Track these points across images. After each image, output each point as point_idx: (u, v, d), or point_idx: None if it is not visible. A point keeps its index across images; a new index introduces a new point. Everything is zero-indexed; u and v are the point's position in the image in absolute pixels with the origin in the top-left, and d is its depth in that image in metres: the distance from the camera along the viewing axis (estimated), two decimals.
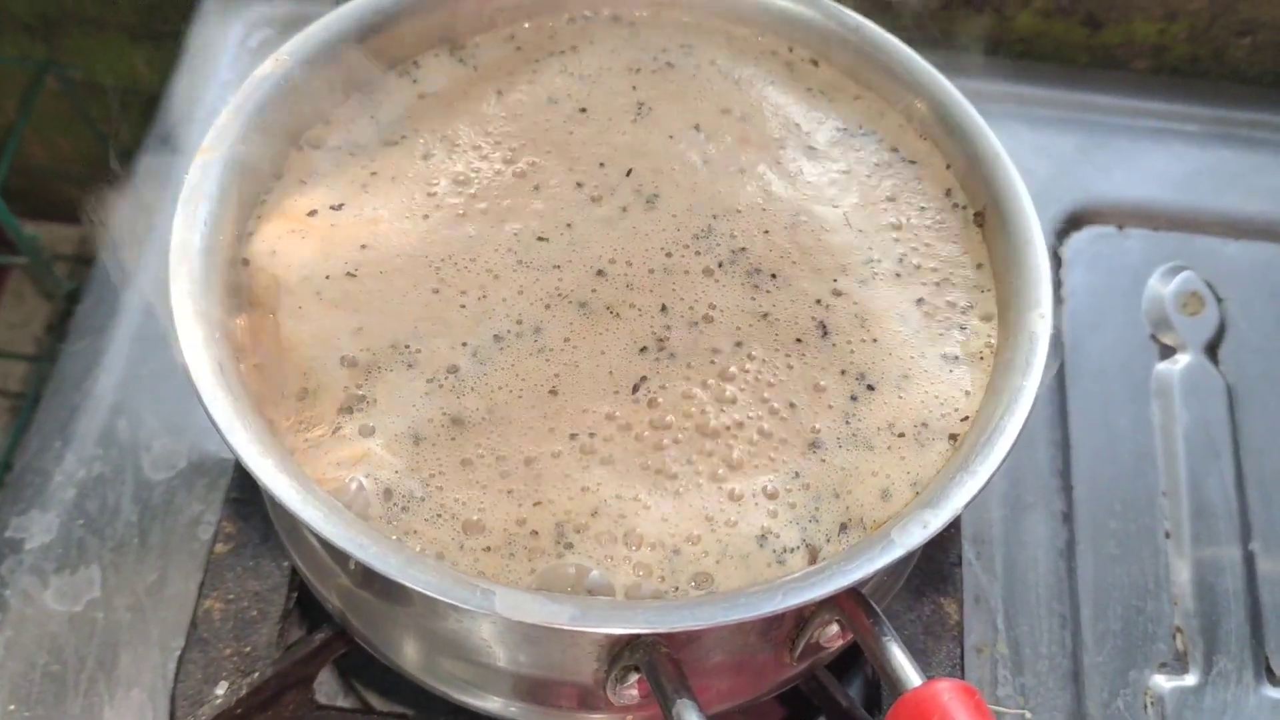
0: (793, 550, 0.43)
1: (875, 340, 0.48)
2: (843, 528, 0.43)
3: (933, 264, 0.50)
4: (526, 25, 0.56)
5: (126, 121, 0.92)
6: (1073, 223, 0.73)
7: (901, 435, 0.45)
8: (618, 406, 0.45)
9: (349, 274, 0.47)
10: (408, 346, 0.46)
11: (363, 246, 0.48)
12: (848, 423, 0.46)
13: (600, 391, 0.46)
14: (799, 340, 0.48)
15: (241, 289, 0.47)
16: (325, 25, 0.49)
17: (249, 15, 0.78)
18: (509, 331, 0.47)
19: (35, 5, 0.84)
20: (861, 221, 0.51)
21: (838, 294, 0.49)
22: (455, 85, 0.54)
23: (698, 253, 0.50)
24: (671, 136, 0.53)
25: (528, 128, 0.53)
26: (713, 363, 0.47)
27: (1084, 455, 0.65)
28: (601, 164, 0.52)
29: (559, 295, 0.48)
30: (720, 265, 0.49)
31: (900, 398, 0.46)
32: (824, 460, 0.45)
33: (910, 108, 0.52)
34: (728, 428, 0.45)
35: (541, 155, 0.52)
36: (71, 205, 1.02)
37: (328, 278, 0.47)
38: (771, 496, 0.44)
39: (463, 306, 0.47)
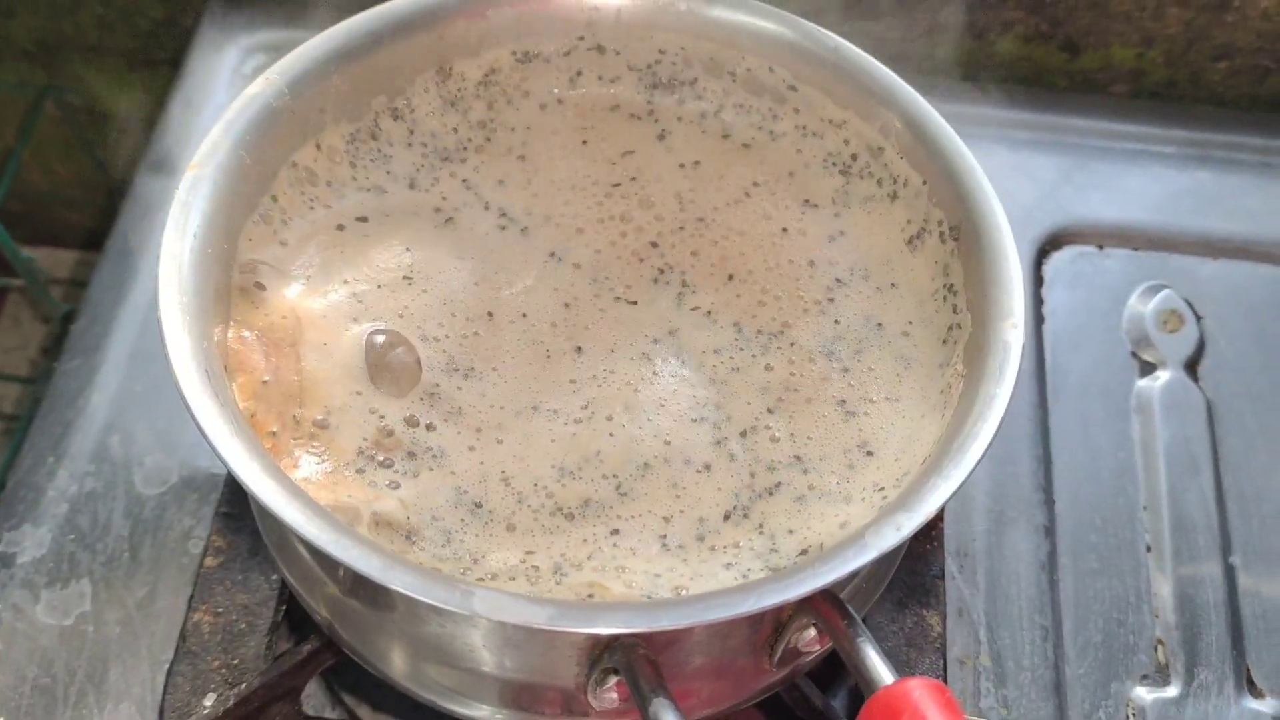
0: (759, 571, 0.45)
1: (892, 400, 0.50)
2: (803, 552, 0.45)
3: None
4: (514, 51, 0.57)
5: (123, 147, 0.93)
6: (1053, 243, 0.74)
7: (881, 489, 0.47)
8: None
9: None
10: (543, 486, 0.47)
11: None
12: (838, 484, 0.47)
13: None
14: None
15: (251, 310, 0.48)
16: (314, 45, 0.50)
17: (245, 41, 0.80)
18: (656, 457, 0.48)
19: (34, 31, 0.86)
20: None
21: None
22: (449, 129, 0.56)
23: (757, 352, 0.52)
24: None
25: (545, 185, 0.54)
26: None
27: (1065, 470, 0.65)
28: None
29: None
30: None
31: (896, 460, 0.48)
32: (798, 511, 0.47)
33: (887, 125, 0.53)
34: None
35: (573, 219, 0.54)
36: (69, 230, 1.04)
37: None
38: (735, 547, 0.46)
39: (611, 435, 0.49)
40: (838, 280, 0.53)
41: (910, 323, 0.52)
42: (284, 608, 0.57)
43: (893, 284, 0.53)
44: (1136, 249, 0.74)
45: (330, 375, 0.48)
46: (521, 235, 0.54)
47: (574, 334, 0.51)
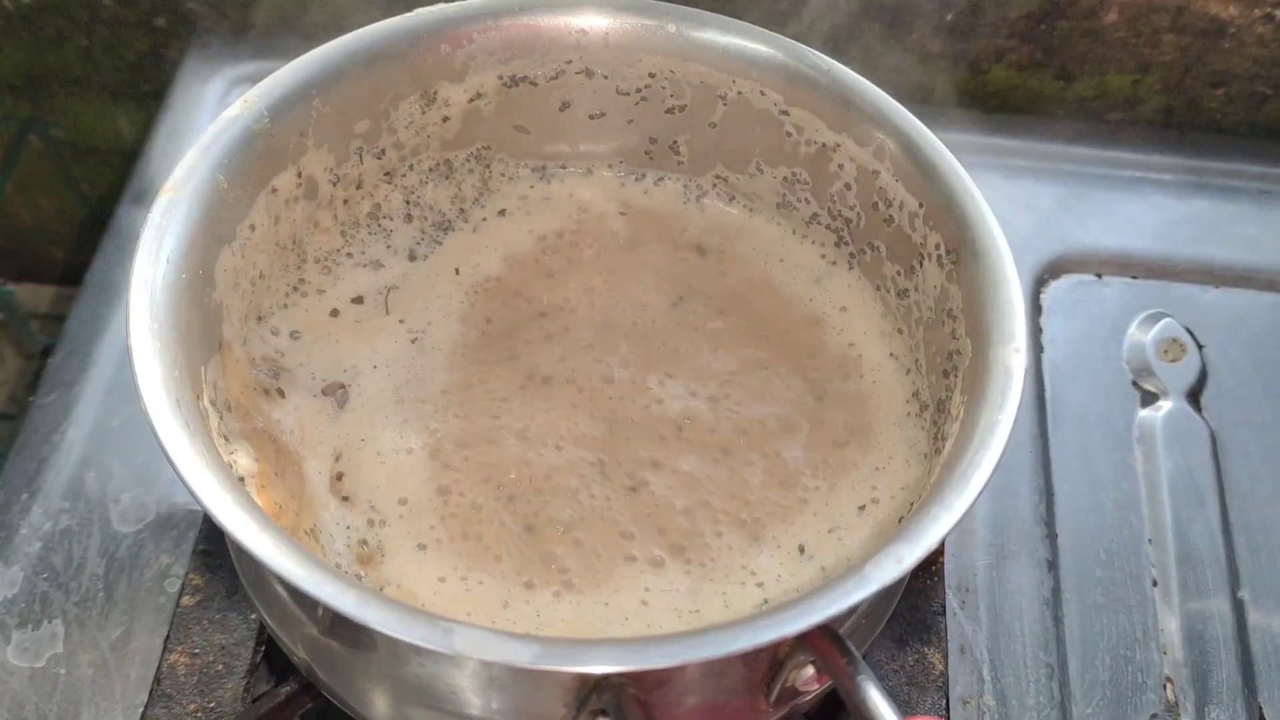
0: None
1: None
2: None
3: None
4: (500, 76, 0.56)
5: (108, 181, 0.92)
6: (1051, 271, 0.73)
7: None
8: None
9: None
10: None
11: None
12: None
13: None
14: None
15: (269, 412, 0.48)
16: (295, 68, 0.50)
17: (231, 73, 0.79)
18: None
19: (19, 65, 0.85)
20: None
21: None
22: (444, 198, 0.58)
23: None
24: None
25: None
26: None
27: (1068, 503, 0.64)
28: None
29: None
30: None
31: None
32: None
33: (882, 147, 0.52)
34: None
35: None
36: (53, 264, 1.02)
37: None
38: None
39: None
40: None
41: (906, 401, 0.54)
42: (263, 648, 0.55)
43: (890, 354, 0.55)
44: (1135, 277, 0.73)
45: (319, 499, 0.49)
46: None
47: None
